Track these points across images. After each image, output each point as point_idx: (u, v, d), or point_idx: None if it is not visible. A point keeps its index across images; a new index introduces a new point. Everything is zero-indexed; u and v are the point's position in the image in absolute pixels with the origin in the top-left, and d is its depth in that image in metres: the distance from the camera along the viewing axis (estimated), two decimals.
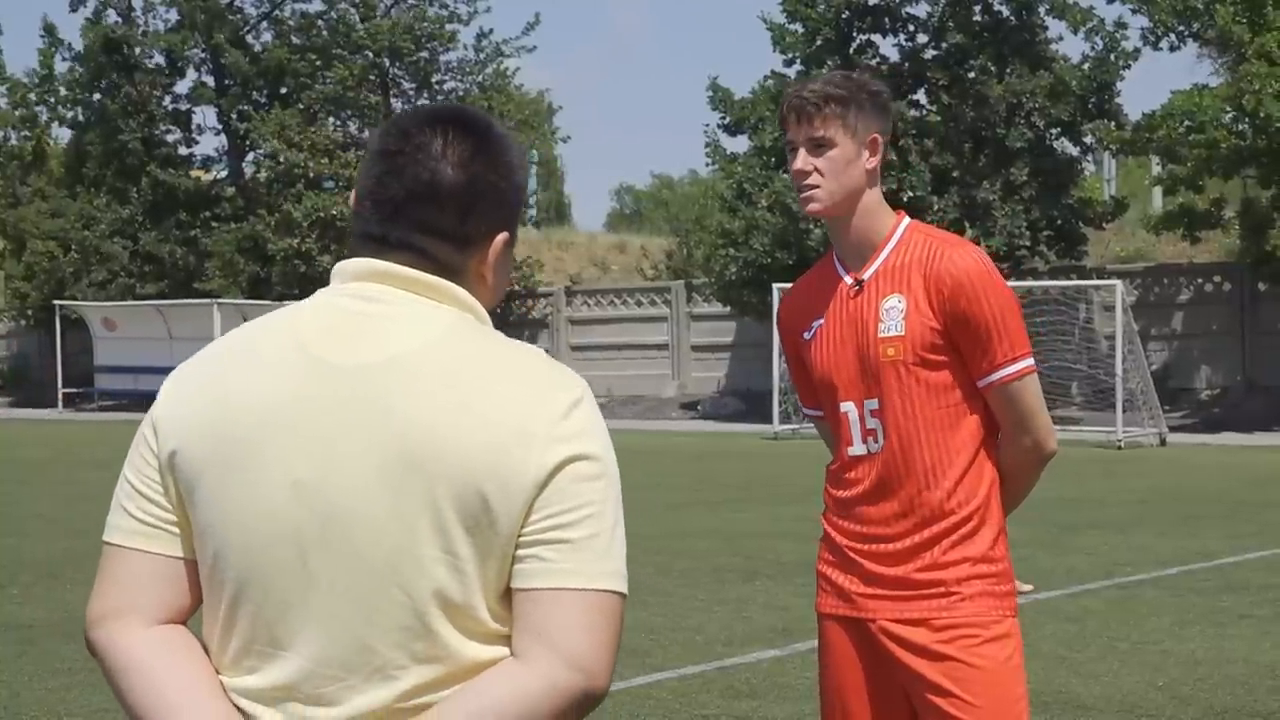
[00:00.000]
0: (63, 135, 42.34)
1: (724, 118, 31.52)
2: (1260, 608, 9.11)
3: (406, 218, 1.99)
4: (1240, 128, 24.93)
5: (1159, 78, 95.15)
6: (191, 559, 1.98)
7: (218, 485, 1.93)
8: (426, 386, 1.90)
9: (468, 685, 1.88)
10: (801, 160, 3.25)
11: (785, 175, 25.92)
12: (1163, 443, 23.82)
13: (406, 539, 1.87)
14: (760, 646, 8.08)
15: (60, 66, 40.77)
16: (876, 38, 31.26)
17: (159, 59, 40.30)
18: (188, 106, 40.75)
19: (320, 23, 39.11)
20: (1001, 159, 29.39)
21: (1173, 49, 27.17)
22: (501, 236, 2.03)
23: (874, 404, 3.25)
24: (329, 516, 1.89)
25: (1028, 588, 3.47)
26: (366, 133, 36.99)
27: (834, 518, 3.37)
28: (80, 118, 40.71)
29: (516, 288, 36.34)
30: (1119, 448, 22.88)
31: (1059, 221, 29.71)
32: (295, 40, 39.25)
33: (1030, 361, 3.23)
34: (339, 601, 1.89)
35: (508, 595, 1.90)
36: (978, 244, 23.16)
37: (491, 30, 38.61)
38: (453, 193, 1.98)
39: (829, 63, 29.65)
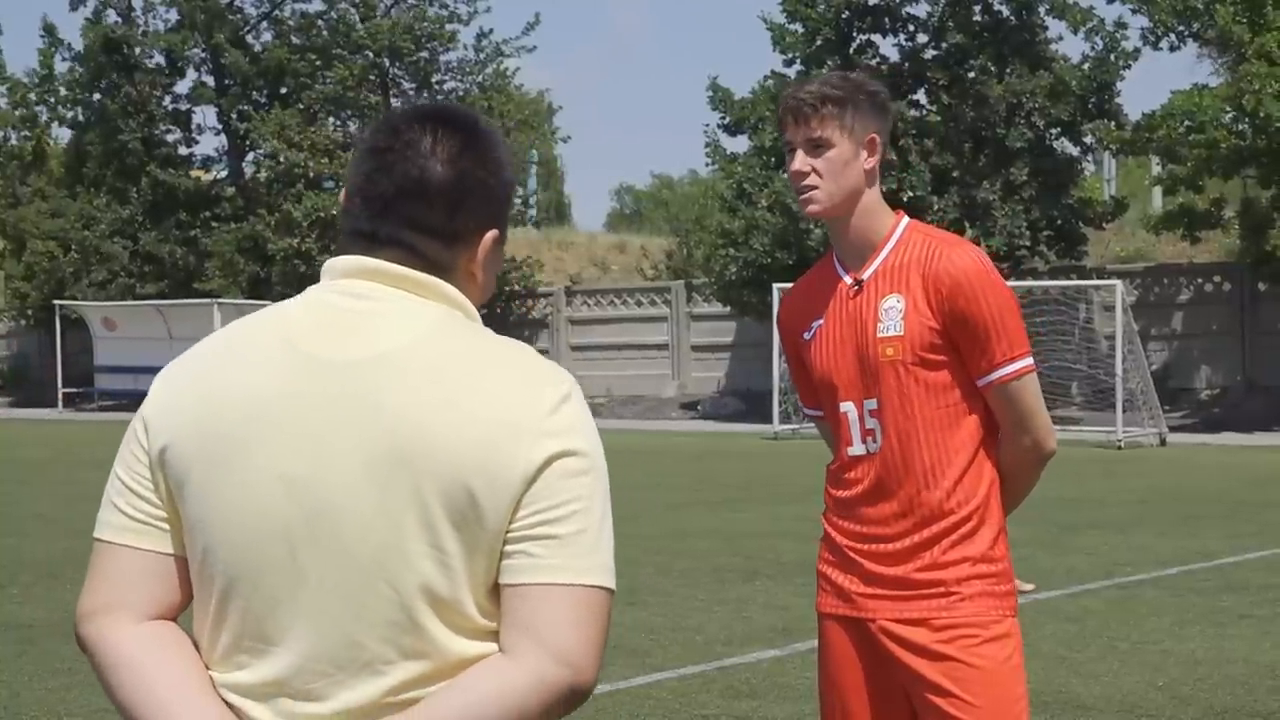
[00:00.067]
0: (63, 135, 42.40)
1: (724, 118, 31.52)
2: (1260, 608, 9.11)
3: (396, 214, 2.00)
4: (1240, 128, 24.93)
5: (1159, 78, 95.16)
6: (181, 555, 1.99)
7: (207, 481, 1.93)
8: (415, 383, 1.91)
9: (455, 680, 1.89)
10: (799, 161, 3.25)
11: (785, 175, 25.93)
12: (1163, 443, 23.83)
13: (394, 534, 1.88)
14: (760, 646, 8.08)
15: (60, 66, 40.81)
16: (876, 38, 31.27)
17: (159, 59, 40.29)
18: (188, 106, 40.75)
19: (320, 23, 39.12)
20: (1001, 159, 29.39)
21: (1173, 49, 27.18)
22: (491, 234, 2.04)
23: (873, 404, 3.25)
24: (317, 512, 1.90)
25: (1029, 587, 3.47)
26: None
27: (834, 518, 3.37)
28: (80, 118, 40.71)
29: (516, 288, 36.34)
30: (1119, 448, 22.88)
31: (1059, 221, 29.71)
32: (295, 40, 39.25)
33: (1029, 361, 3.23)
34: (328, 597, 1.90)
35: (496, 591, 1.91)
36: (978, 244, 23.13)
37: (491, 30, 38.67)
38: (442, 189, 1.99)
39: (829, 63, 29.65)
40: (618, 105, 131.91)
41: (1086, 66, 29.60)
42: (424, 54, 37.79)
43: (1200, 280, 30.31)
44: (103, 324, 37.54)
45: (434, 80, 38.04)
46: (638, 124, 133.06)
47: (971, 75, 29.76)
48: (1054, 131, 30.16)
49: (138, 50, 39.69)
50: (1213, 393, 29.51)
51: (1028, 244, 29.19)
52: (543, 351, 29.33)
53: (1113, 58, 29.48)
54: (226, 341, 2.03)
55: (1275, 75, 24.29)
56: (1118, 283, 25.81)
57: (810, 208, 3.26)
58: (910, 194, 27.95)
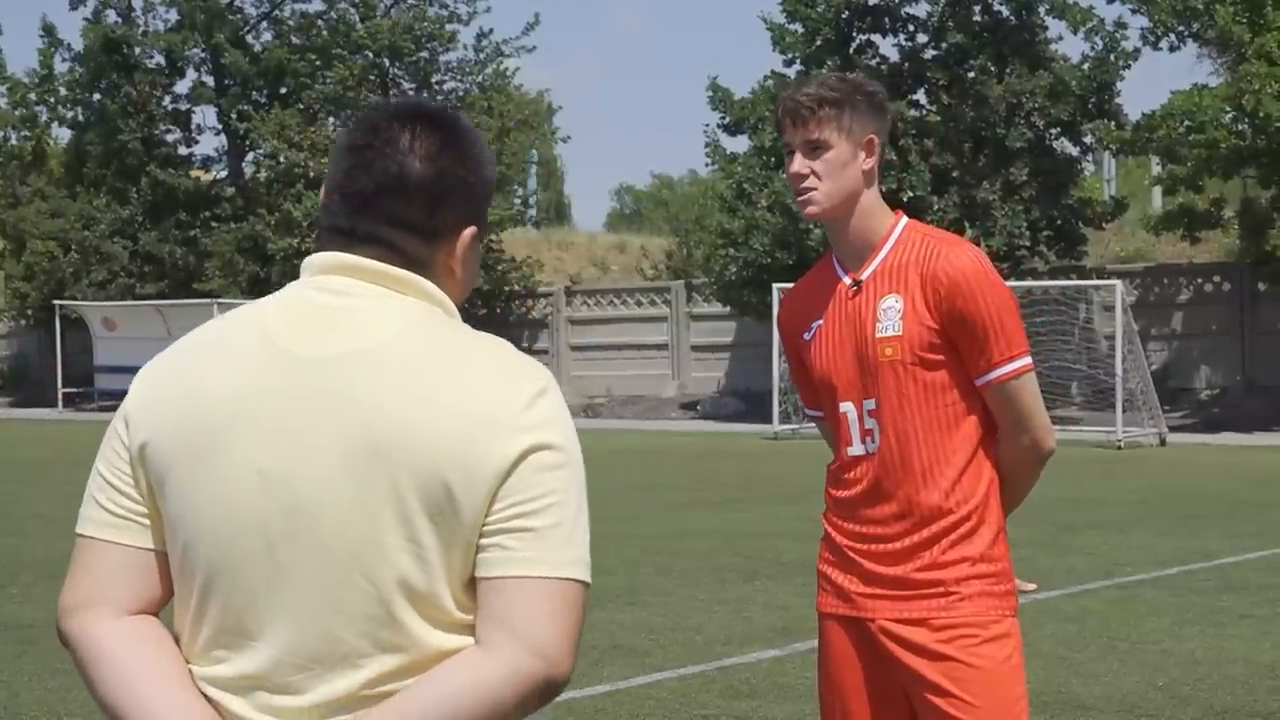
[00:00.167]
0: (63, 135, 42.34)
1: (724, 118, 31.52)
2: (1260, 608, 9.11)
3: (374, 211, 2.01)
4: (1240, 128, 24.93)
5: (1159, 78, 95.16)
6: (162, 550, 2.00)
7: (187, 477, 1.95)
8: (393, 378, 1.92)
9: (430, 673, 1.90)
10: (798, 164, 3.25)
11: (785, 176, 25.95)
12: (1162, 443, 23.82)
13: (370, 528, 1.90)
14: (760, 646, 8.08)
15: (60, 66, 40.76)
16: (876, 38, 31.26)
17: (159, 59, 40.26)
18: (188, 106, 40.72)
19: (320, 23, 39.10)
20: (1001, 159, 29.39)
21: (1173, 49, 27.17)
22: (469, 230, 2.06)
23: (872, 404, 3.26)
24: (294, 507, 1.91)
25: (1030, 586, 3.47)
26: None
27: (834, 517, 3.38)
28: (80, 118, 40.68)
29: (516, 288, 36.34)
30: (1119, 448, 22.88)
31: (1059, 221, 29.71)
32: (295, 40, 39.23)
33: (1028, 360, 3.24)
34: (306, 591, 1.92)
35: (472, 584, 1.92)
36: (978, 244, 23.02)
37: (491, 30, 38.59)
38: (420, 186, 2.01)
39: (829, 63, 29.65)
40: (618, 105, 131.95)
41: (1086, 66, 29.60)
42: (424, 54, 37.77)
43: (1200, 280, 30.32)
44: (102, 324, 37.54)
45: (434, 80, 38.03)
46: (638, 124, 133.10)
47: (971, 75, 29.75)
48: (1054, 131, 30.15)
49: (138, 50, 39.67)
50: (1212, 393, 29.51)
51: (1027, 244, 29.19)
52: (542, 351, 29.27)
53: (1113, 58, 29.48)
54: (206, 338, 2.04)
55: (1275, 75, 24.29)
56: (1118, 283, 25.81)
57: (809, 209, 3.27)
58: (910, 194, 27.94)
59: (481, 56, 38.16)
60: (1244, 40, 25.11)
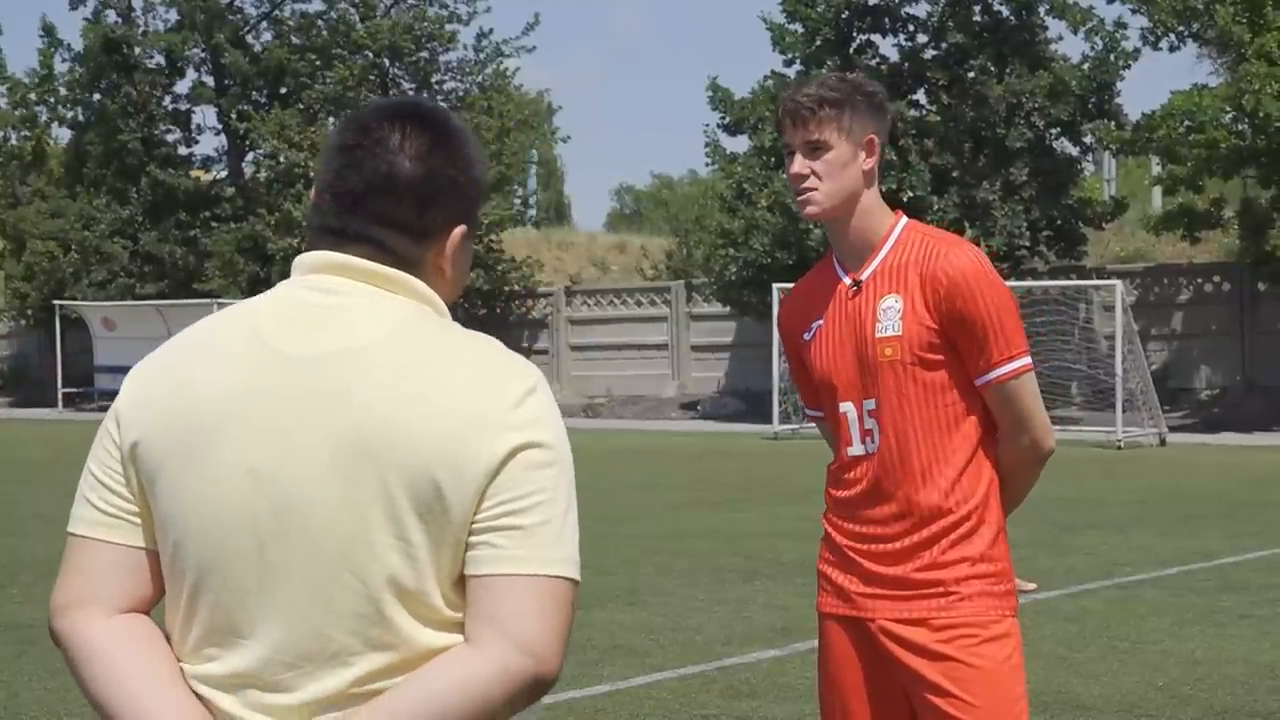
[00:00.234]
0: (63, 135, 42.34)
1: (724, 118, 31.52)
2: (1260, 608, 9.11)
3: (364, 210, 2.02)
4: (1240, 128, 24.93)
5: (1159, 78, 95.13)
6: (153, 549, 2.01)
7: (177, 475, 1.96)
8: (382, 377, 1.93)
9: (419, 670, 1.91)
10: (798, 164, 3.25)
11: (785, 175, 25.95)
12: (1162, 443, 23.82)
13: (359, 527, 1.90)
14: (760, 646, 8.08)
15: (60, 66, 40.77)
16: (876, 38, 31.25)
17: (159, 59, 40.24)
18: (188, 106, 40.71)
19: (320, 23, 39.09)
20: (1001, 159, 29.39)
21: (1173, 49, 27.16)
22: (459, 229, 2.07)
23: (872, 404, 3.26)
24: (284, 506, 1.92)
25: (1031, 586, 3.47)
26: None
27: (834, 517, 3.38)
28: (80, 118, 40.67)
29: (516, 288, 36.34)
30: (1119, 448, 22.88)
31: (1059, 221, 29.71)
32: (295, 40, 39.21)
33: (1027, 360, 3.24)
34: (296, 590, 1.92)
35: (462, 582, 1.93)
36: (977, 244, 23.00)
37: (491, 30, 38.58)
38: (410, 185, 2.01)
39: (829, 63, 29.64)
40: (618, 105, 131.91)
41: (1086, 66, 29.59)
42: (424, 54, 37.76)
43: (1200, 280, 30.32)
44: (102, 324, 37.54)
45: (434, 80, 38.01)
46: (638, 124, 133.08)
47: (971, 75, 29.75)
48: (1054, 131, 30.15)
49: (138, 50, 39.66)
50: (1212, 393, 29.51)
51: (1027, 244, 29.19)
52: (542, 351, 29.23)
53: (1112, 58, 29.47)
54: (196, 337, 2.05)
55: (1275, 75, 24.29)
56: (1117, 283, 25.81)
57: (809, 210, 3.27)
58: (910, 194, 27.94)
59: (481, 56, 38.15)
60: (1244, 40, 25.11)
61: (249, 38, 40.39)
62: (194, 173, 40.30)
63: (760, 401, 29.43)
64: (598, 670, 7.52)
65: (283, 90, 39.20)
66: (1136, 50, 28.79)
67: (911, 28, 30.98)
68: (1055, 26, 47.55)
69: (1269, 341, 28.99)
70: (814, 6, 30.31)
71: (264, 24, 40.69)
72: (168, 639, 2.01)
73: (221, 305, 33.63)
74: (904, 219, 3.34)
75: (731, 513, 14.48)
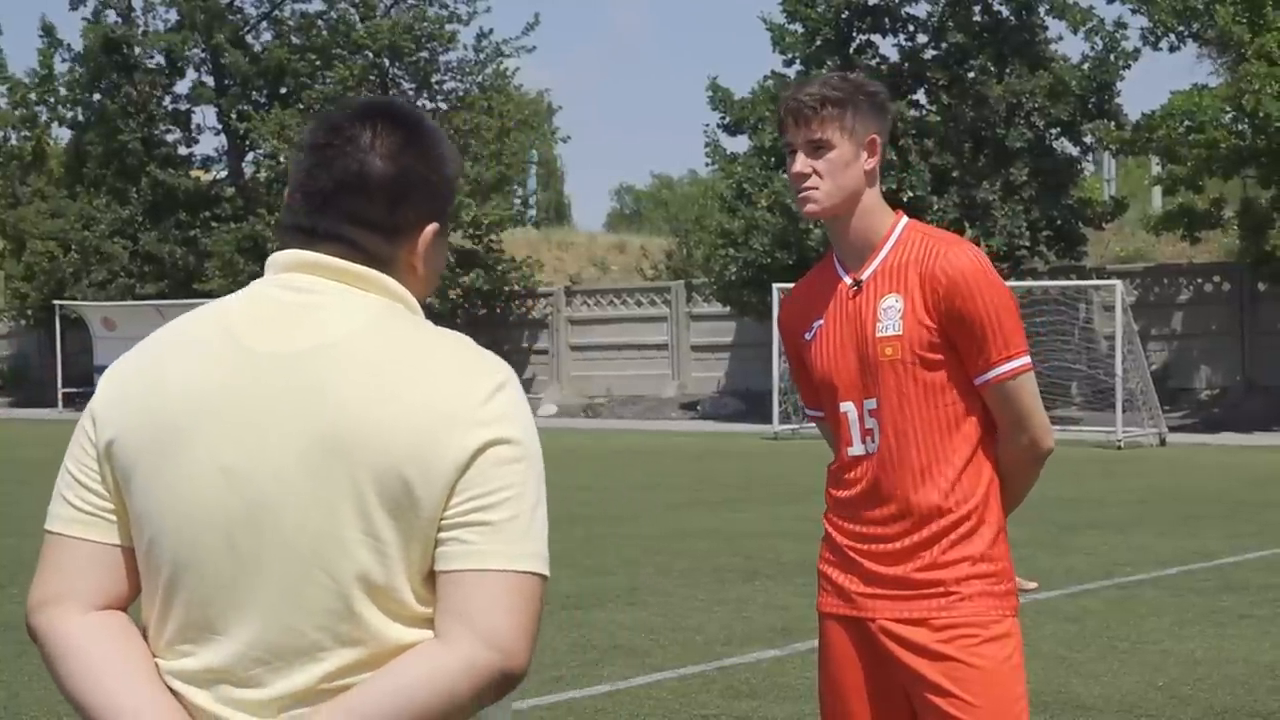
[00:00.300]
0: (63, 135, 42.36)
1: (724, 118, 31.52)
2: (1260, 608, 9.11)
3: (335, 209, 2.03)
4: (1240, 128, 24.93)
5: (1159, 78, 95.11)
6: (129, 546, 2.03)
7: (152, 473, 1.97)
8: (353, 374, 1.94)
9: (387, 666, 1.92)
10: (800, 163, 3.25)
11: (785, 175, 25.93)
12: (1162, 443, 23.83)
13: (330, 524, 1.91)
14: (760, 646, 8.08)
15: (60, 66, 40.78)
16: (876, 38, 31.26)
17: (159, 59, 40.25)
18: (187, 106, 40.72)
19: (320, 23, 39.08)
20: (1001, 159, 29.39)
21: (1173, 49, 27.16)
22: (431, 227, 2.07)
23: (873, 404, 3.26)
24: (256, 503, 1.93)
25: (1031, 585, 3.46)
26: None
27: (834, 517, 3.38)
28: (80, 118, 40.68)
29: (516, 288, 36.34)
30: (1119, 448, 22.88)
31: (1059, 221, 29.71)
32: (295, 40, 39.21)
33: (1026, 360, 3.23)
34: (268, 586, 1.94)
35: (432, 578, 1.94)
36: (977, 244, 23.00)
37: (491, 30, 38.58)
38: (381, 184, 2.03)
39: (829, 63, 29.65)
40: (618, 105, 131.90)
41: (1086, 66, 29.59)
42: (424, 54, 37.75)
43: (1200, 280, 30.32)
44: (102, 324, 37.54)
45: (434, 80, 38.01)
46: (638, 124, 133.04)
47: (971, 75, 29.75)
48: (1054, 131, 30.15)
49: (137, 50, 39.67)
50: (1212, 393, 29.51)
51: (1027, 244, 29.19)
52: (542, 351, 29.15)
53: (1112, 58, 29.47)
54: (171, 336, 2.06)
55: (1275, 75, 24.29)
56: (1117, 283, 25.81)
57: (810, 209, 3.27)
58: (910, 194, 27.94)
59: (481, 56, 38.15)
60: (1244, 40, 25.11)
61: (249, 38, 40.40)
62: (194, 173, 40.30)
63: (760, 401, 29.43)
64: (598, 670, 7.52)
65: (283, 90, 39.19)
66: (1136, 50, 28.80)
67: (911, 28, 30.99)
68: (1055, 26, 47.61)
69: (1269, 341, 28.99)
70: (814, 6, 30.31)
71: (264, 24, 40.71)
72: (144, 635, 2.03)
73: None
74: (905, 219, 3.34)
75: (731, 513, 14.48)
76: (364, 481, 1.91)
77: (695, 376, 34.81)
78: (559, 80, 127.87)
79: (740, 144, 32.36)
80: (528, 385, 36.16)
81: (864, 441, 3.28)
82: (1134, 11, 27.49)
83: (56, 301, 37.88)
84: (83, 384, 37.97)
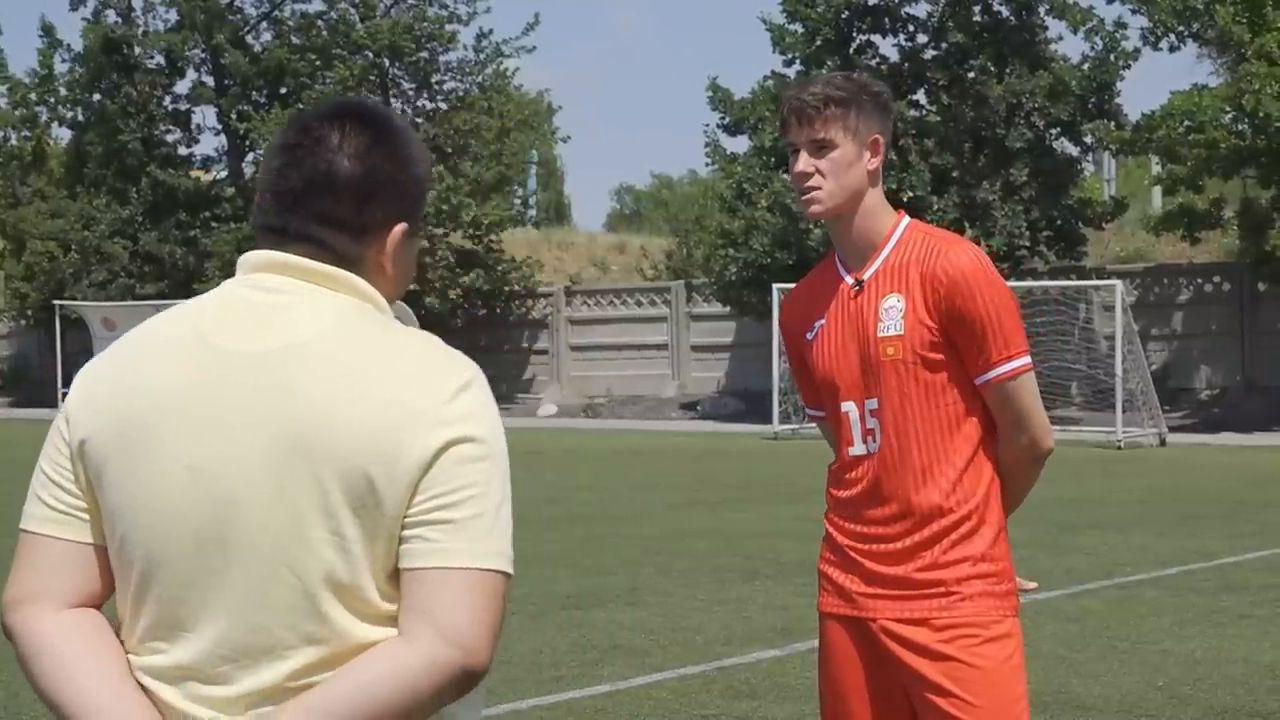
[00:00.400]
0: (63, 135, 42.36)
1: (724, 118, 31.53)
2: (1260, 608, 9.11)
3: (304, 209, 2.04)
4: (1240, 128, 24.93)
5: (1159, 78, 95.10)
6: (102, 545, 2.04)
7: (123, 471, 1.99)
8: (320, 373, 1.96)
9: (350, 664, 1.93)
10: (803, 163, 3.25)
11: (785, 175, 25.90)
12: (1162, 443, 23.83)
13: (294, 522, 1.93)
14: (760, 646, 8.08)
15: (60, 67, 40.77)
16: (876, 38, 31.27)
17: (159, 59, 40.26)
18: (188, 106, 40.71)
19: (320, 23, 39.07)
20: (1001, 159, 29.39)
21: (1173, 49, 27.16)
22: (400, 227, 2.08)
23: (874, 403, 3.26)
24: (223, 501, 1.95)
25: (1031, 585, 3.47)
26: None
27: (835, 517, 3.38)
28: (80, 118, 40.68)
29: (516, 288, 36.34)
30: (1119, 448, 22.88)
31: (1059, 221, 29.72)
32: (295, 40, 39.20)
33: (1026, 360, 3.23)
34: (234, 585, 1.95)
35: (396, 575, 1.96)
36: (978, 244, 23.08)
37: (491, 30, 38.57)
38: (349, 184, 2.04)
39: (829, 63, 29.65)
40: (618, 105, 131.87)
41: (1086, 66, 29.60)
42: (424, 54, 37.74)
43: (1200, 280, 30.32)
44: (102, 324, 37.51)
45: (434, 80, 38.00)
46: (638, 124, 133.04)
47: (971, 75, 29.76)
48: (1054, 131, 30.16)
49: (138, 50, 39.67)
50: (1212, 393, 29.52)
51: (1027, 244, 29.19)
52: (542, 351, 29.14)
53: (1112, 58, 29.48)
54: (143, 336, 2.08)
55: (1275, 75, 24.29)
56: (1117, 283, 25.82)
57: (813, 208, 3.26)
58: (910, 194, 27.95)
59: (481, 57, 38.13)
60: (1244, 40, 25.11)
61: (249, 38, 40.39)
62: (194, 173, 40.30)
63: (760, 401, 29.43)
64: (598, 670, 7.52)
65: (283, 90, 39.18)
66: (1136, 50, 28.80)
67: (911, 28, 30.99)
68: (1055, 26, 47.53)
69: (1269, 341, 28.99)
70: (814, 7, 30.32)
71: (264, 24, 40.70)
72: (118, 632, 2.04)
73: None
74: (906, 218, 3.34)
75: (731, 513, 14.48)
76: (328, 480, 1.92)
77: (695, 376, 34.81)
78: (559, 80, 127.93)
79: (740, 144, 32.42)
80: (528, 385, 36.18)
81: (865, 441, 3.28)
82: (1134, 11, 27.50)
83: (56, 301, 37.87)
84: None
